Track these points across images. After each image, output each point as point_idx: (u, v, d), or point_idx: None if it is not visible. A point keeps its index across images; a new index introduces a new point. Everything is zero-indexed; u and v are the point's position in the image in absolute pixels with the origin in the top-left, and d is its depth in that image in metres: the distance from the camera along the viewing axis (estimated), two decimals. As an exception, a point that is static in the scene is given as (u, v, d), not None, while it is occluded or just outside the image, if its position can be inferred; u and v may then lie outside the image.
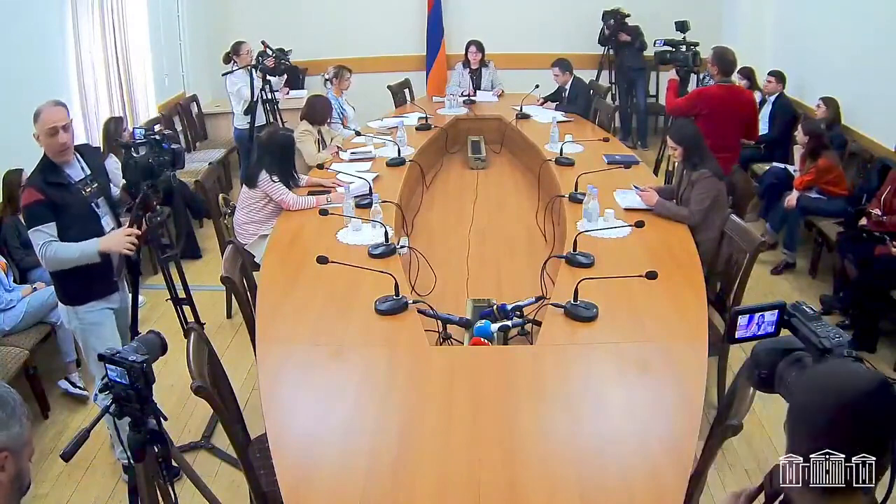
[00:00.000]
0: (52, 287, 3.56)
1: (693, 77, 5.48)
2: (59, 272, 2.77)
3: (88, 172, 2.82)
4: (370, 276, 2.84)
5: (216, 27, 7.53)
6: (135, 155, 2.95)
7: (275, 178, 3.84)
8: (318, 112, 4.90)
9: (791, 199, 4.70)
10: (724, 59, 4.44)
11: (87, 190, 2.79)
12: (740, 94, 4.59)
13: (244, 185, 4.00)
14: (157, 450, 2.05)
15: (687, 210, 3.49)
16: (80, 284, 2.80)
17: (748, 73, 5.85)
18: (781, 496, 1.28)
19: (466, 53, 6.43)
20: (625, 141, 7.01)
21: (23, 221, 2.76)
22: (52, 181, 2.67)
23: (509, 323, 2.59)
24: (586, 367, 2.39)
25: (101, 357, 1.89)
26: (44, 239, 2.64)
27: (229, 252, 3.11)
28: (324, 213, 3.51)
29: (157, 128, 3.62)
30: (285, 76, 6.57)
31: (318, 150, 4.83)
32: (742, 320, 1.43)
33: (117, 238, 2.77)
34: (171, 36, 6.91)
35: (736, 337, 1.47)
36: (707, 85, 4.75)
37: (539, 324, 2.63)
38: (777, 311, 1.40)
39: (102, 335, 2.88)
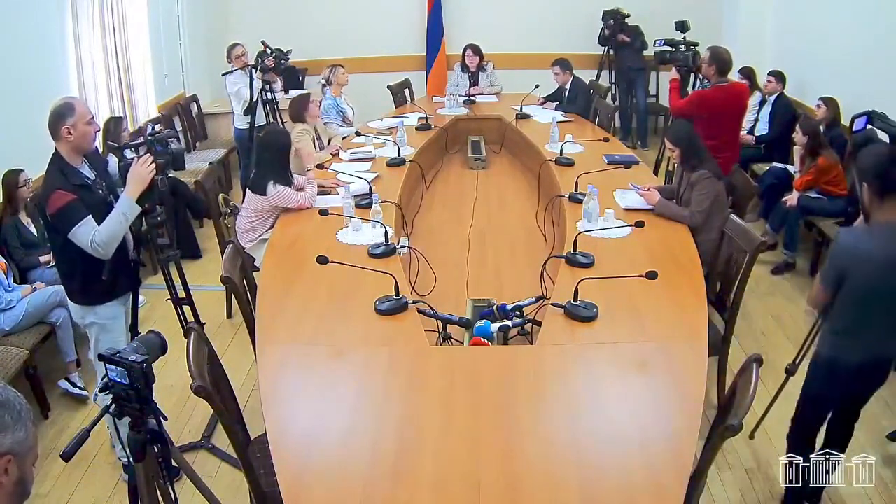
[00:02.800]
0: (52, 288, 3.59)
1: (692, 77, 5.48)
2: (86, 272, 2.76)
3: (95, 174, 2.83)
4: (370, 276, 2.84)
5: (216, 27, 7.53)
6: (127, 157, 2.94)
7: (280, 185, 3.77)
8: (294, 109, 4.84)
9: (791, 199, 4.70)
10: (721, 59, 4.43)
11: (100, 190, 2.81)
12: (737, 91, 4.61)
13: (249, 192, 3.93)
14: (157, 450, 2.05)
15: (688, 211, 3.49)
16: (105, 282, 2.79)
17: (748, 73, 5.85)
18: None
19: (463, 57, 6.43)
20: (625, 141, 7.01)
21: (55, 225, 2.68)
22: (75, 182, 2.68)
23: (509, 323, 2.58)
24: (586, 367, 2.39)
25: (101, 357, 1.89)
26: (91, 231, 2.64)
27: (229, 252, 3.11)
28: (324, 213, 3.51)
29: (157, 127, 3.61)
30: (281, 77, 6.55)
31: (316, 150, 4.82)
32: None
33: (137, 173, 2.76)
34: (171, 36, 6.91)
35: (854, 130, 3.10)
36: (706, 87, 4.77)
37: (539, 324, 2.62)
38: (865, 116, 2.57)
39: (116, 331, 2.91)
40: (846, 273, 2.25)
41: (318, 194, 3.93)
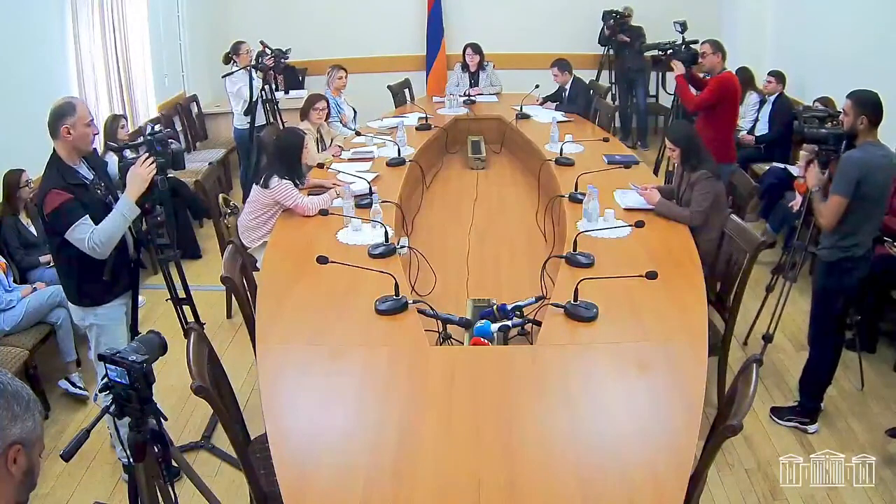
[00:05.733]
0: (52, 288, 3.59)
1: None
2: (84, 273, 2.76)
3: (94, 174, 2.82)
4: (370, 276, 2.84)
5: (216, 27, 7.53)
6: (127, 157, 2.94)
7: (287, 181, 3.76)
8: (304, 106, 4.88)
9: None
10: (723, 48, 4.66)
11: (99, 191, 2.80)
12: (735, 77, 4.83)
13: (255, 189, 3.91)
14: (157, 450, 2.05)
15: (688, 211, 3.49)
16: (104, 283, 2.79)
17: (746, 74, 5.86)
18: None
19: (464, 56, 6.43)
20: (625, 141, 7.01)
21: (52, 225, 2.68)
22: (72, 182, 2.67)
23: (509, 323, 2.58)
24: (586, 367, 2.39)
25: (101, 357, 1.89)
26: (88, 230, 2.63)
27: (229, 252, 3.11)
28: (324, 213, 3.51)
29: (157, 127, 3.62)
30: (281, 77, 6.56)
31: (319, 150, 4.82)
32: None
33: (137, 174, 2.75)
34: (171, 36, 6.91)
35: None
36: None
37: (539, 324, 2.62)
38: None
39: (117, 332, 2.91)
40: (862, 180, 2.91)
41: (311, 194, 3.91)
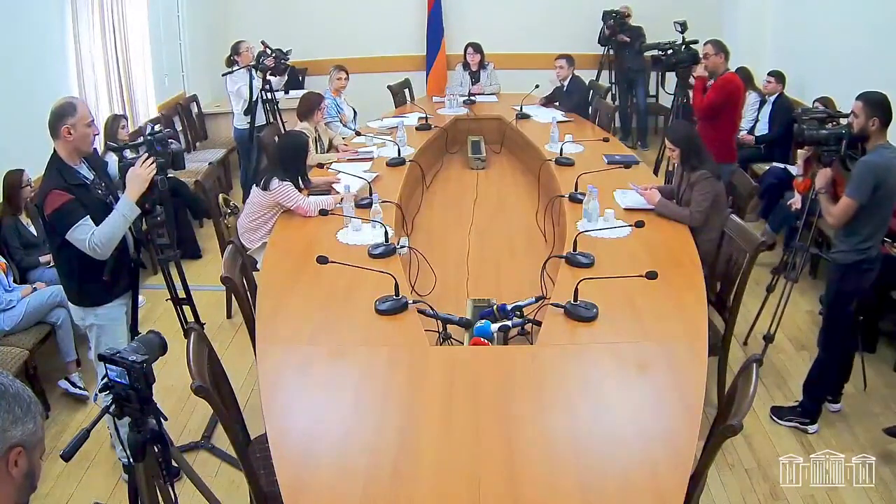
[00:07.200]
0: (52, 288, 3.59)
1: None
2: (84, 273, 2.76)
3: (94, 174, 2.82)
4: (370, 276, 2.84)
5: (216, 27, 7.53)
6: (127, 157, 2.94)
7: (287, 182, 3.74)
8: (302, 105, 4.83)
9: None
10: (725, 48, 4.63)
11: (99, 191, 2.80)
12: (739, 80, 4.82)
13: (254, 190, 3.89)
14: (157, 450, 2.05)
15: (688, 211, 3.49)
16: (104, 283, 2.79)
17: (745, 74, 5.86)
18: None
19: (465, 55, 6.44)
20: (625, 141, 7.02)
21: (52, 225, 2.68)
22: (73, 182, 2.67)
23: (509, 323, 2.58)
24: (586, 367, 2.39)
25: (101, 357, 1.90)
26: (88, 231, 2.63)
27: (229, 252, 3.11)
28: (324, 213, 3.51)
29: (157, 127, 3.61)
30: (286, 77, 6.56)
31: (316, 150, 4.82)
32: None
33: (137, 174, 2.75)
34: (171, 36, 6.91)
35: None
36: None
37: (539, 324, 2.62)
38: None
39: (117, 332, 2.91)
40: (881, 182, 2.91)
41: (311, 195, 3.90)
